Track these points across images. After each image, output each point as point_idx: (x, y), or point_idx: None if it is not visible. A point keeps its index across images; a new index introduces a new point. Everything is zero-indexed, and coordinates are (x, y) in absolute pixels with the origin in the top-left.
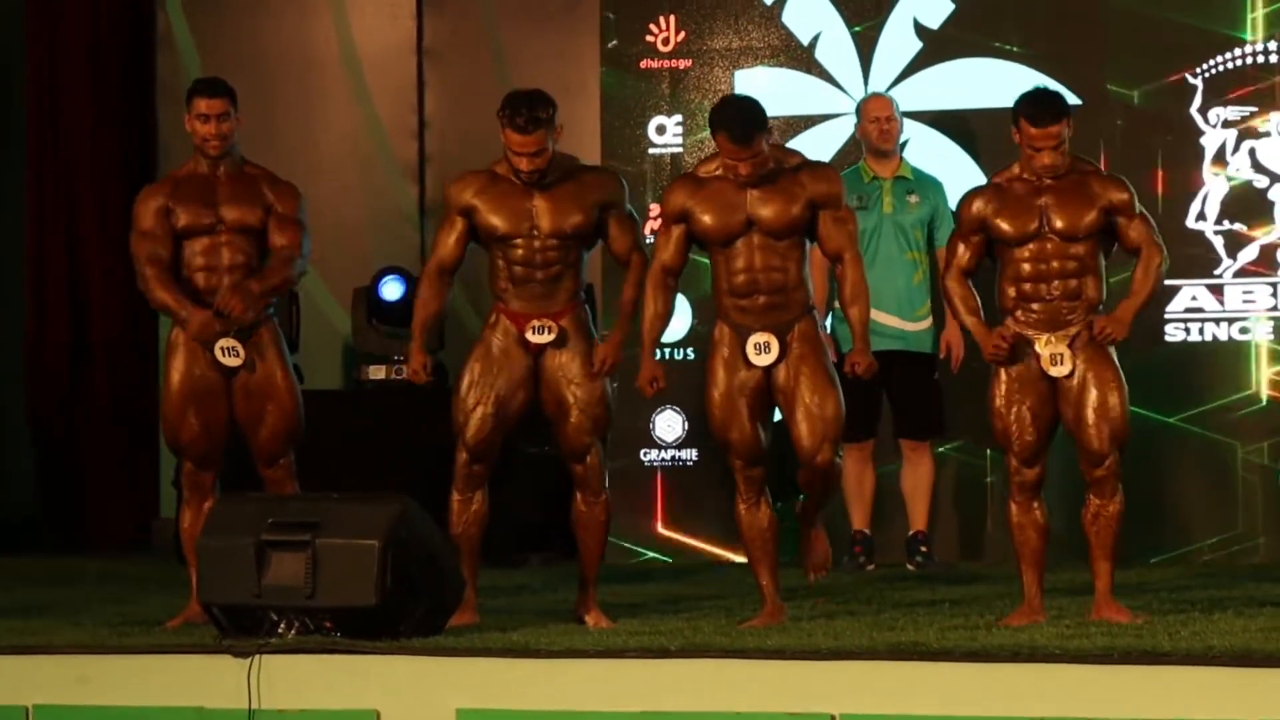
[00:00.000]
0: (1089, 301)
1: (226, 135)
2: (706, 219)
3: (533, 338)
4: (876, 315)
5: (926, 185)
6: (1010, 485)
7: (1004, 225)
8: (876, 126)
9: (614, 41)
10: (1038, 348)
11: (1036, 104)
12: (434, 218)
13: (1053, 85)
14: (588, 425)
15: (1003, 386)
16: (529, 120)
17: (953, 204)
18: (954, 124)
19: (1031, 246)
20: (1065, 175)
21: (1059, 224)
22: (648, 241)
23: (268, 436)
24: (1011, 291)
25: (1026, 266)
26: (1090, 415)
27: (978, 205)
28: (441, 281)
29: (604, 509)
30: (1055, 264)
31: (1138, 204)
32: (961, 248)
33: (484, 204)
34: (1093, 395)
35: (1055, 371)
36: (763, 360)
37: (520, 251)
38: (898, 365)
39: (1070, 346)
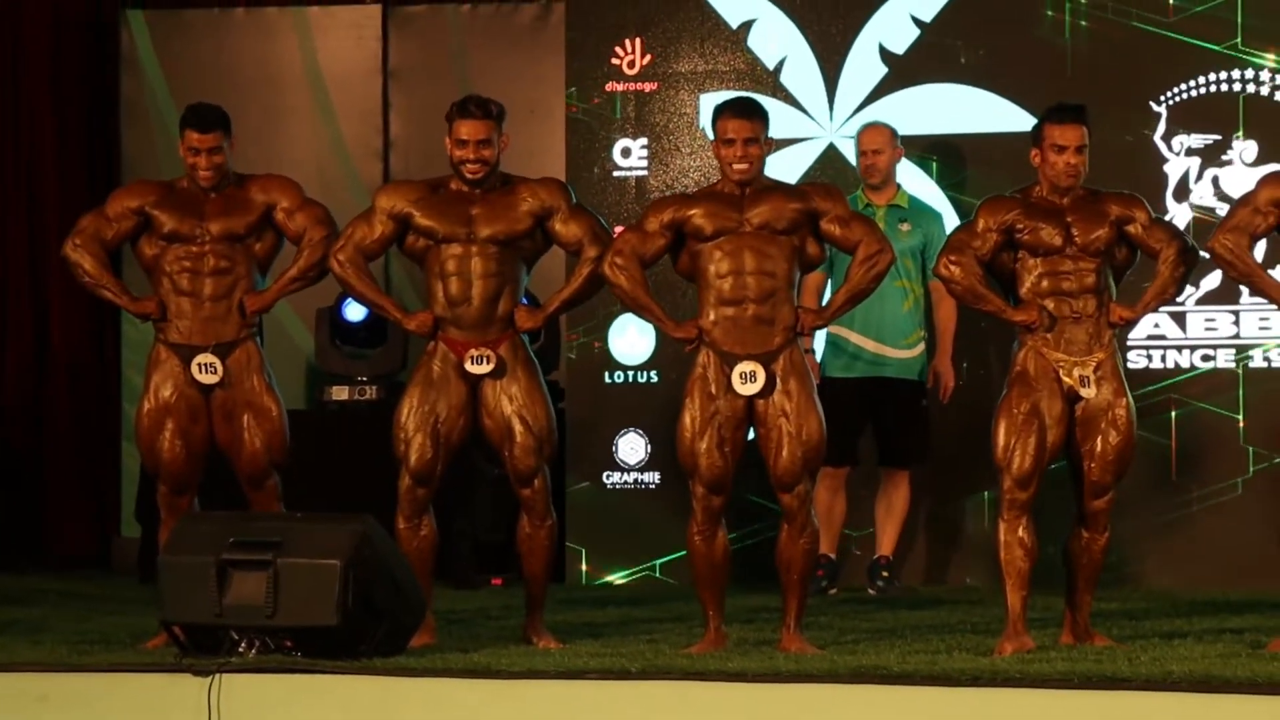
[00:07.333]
0: (1110, 330)
1: (219, 166)
2: (697, 214)
3: (471, 368)
4: (865, 341)
5: (922, 215)
6: (1001, 504)
7: (1027, 236)
8: (864, 160)
9: (579, 64)
10: (1063, 375)
11: (1061, 107)
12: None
13: (1016, 111)
14: (534, 445)
15: (1012, 406)
16: (479, 104)
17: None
18: (919, 148)
19: (1053, 259)
20: (1083, 196)
21: (1079, 238)
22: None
23: (249, 458)
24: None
25: (1046, 282)
26: (1101, 448)
27: (1007, 206)
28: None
29: (549, 533)
30: (1074, 280)
31: (1151, 211)
32: (979, 241)
33: (420, 210)
34: (1109, 429)
35: (1087, 393)
36: (748, 389)
37: (454, 262)
38: (885, 392)
39: (1095, 372)
